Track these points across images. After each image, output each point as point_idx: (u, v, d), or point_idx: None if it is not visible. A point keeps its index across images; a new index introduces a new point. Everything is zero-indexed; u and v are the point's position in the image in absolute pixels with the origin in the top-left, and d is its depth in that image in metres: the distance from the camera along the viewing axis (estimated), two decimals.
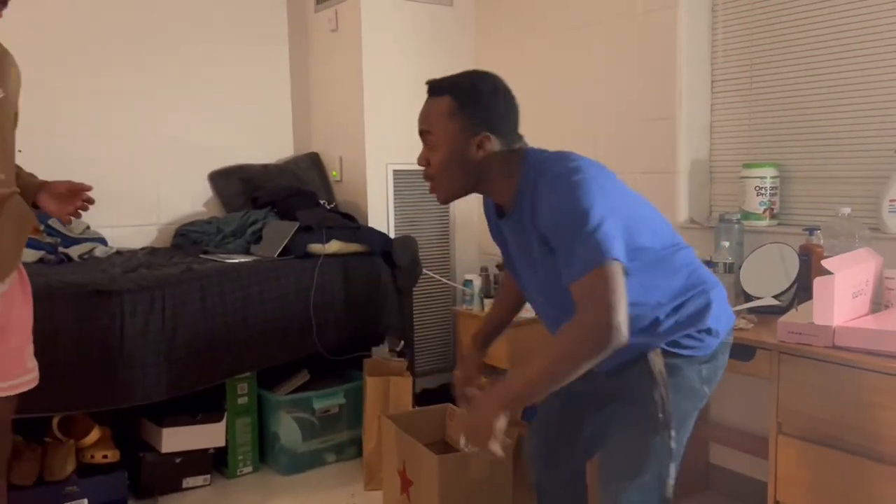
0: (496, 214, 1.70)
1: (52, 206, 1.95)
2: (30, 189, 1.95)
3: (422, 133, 1.61)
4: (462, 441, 1.57)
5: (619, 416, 1.66)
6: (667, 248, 1.60)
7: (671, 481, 1.59)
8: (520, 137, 1.63)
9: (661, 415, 1.56)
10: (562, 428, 1.83)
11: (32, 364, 1.98)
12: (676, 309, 1.58)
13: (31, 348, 1.98)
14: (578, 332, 1.40)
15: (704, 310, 1.60)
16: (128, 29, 3.52)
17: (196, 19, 3.70)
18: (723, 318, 1.65)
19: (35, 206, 1.98)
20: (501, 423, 1.48)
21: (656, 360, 1.57)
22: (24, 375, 1.94)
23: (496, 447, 1.49)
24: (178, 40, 3.65)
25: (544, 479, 1.88)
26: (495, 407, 1.48)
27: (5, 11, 1.79)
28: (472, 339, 1.94)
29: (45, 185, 1.97)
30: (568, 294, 1.45)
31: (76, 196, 1.94)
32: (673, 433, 1.57)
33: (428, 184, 1.64)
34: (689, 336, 1.59)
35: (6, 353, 1.89)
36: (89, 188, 1.95)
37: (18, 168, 1.98)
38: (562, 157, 1.56)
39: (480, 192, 1.65)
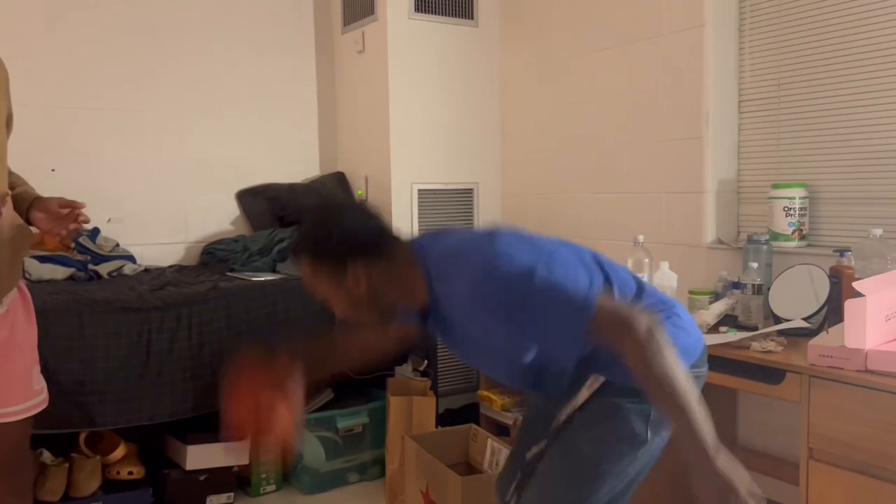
0: (420, 319, 1.56)
1: (45, 224, 1.77)
2: (23, 204, 1.78)
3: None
4: None
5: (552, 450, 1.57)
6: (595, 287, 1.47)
7: None
8: (395, 238, 1.49)
9: (586, 456, 1.48)
10: (518, 449, 1.72)
11: (40, 386, 1.89)
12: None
13: (37, 370, 1.88)
14: (640, 353, 1.30)
15: None
16: (156, 49, 3.59)
17: (224, 40, 3.76)
18: (684, 347, 1.46)
19: (28, 222, 1.81)
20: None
21: (584, 391, 1.49)
22: (32, 399, 1.85)
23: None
24: (206, 61, 3.71)
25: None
26: (716, 469, 1.24)
27: None
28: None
29: (37, 202, 1.79)
30: (528, 353, 1.47)
31: (70, 216, 1.76)
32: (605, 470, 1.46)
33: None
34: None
35: (9, 376, 1.79)
36: (83, 206, 1.77)
37: (15, 176, 1.84)
38: (462, 236, 1.48)
39: (403, 307, 1.52)
